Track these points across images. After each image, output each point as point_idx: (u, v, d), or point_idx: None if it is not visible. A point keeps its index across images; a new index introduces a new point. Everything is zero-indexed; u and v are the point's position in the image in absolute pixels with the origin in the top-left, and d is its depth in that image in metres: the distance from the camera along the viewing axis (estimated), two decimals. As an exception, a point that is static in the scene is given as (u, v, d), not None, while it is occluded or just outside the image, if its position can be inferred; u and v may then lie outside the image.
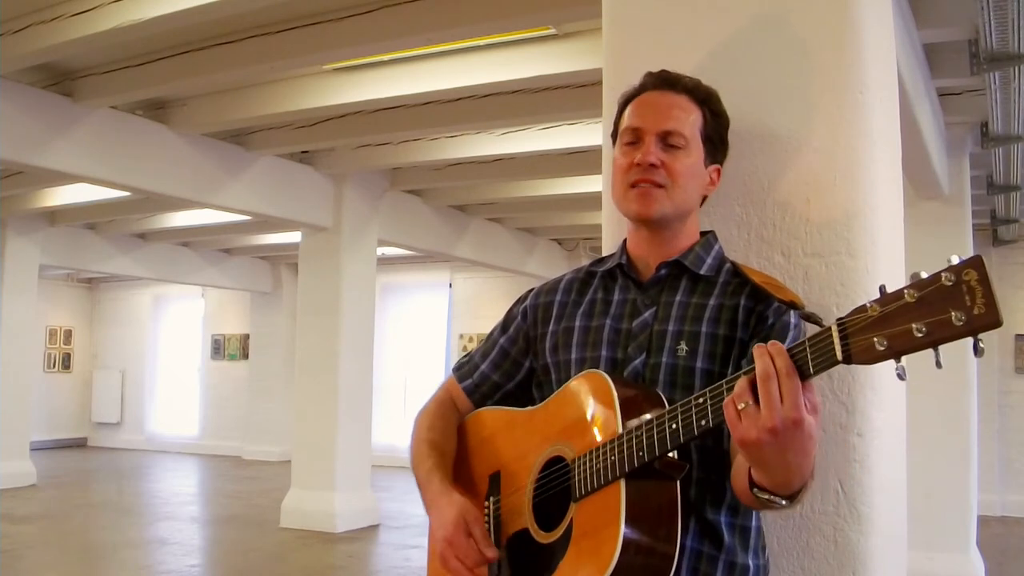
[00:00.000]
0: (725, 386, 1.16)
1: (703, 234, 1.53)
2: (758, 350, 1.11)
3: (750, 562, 1.37)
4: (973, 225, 6.24)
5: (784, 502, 1.16)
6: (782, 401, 1.07)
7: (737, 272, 1.46)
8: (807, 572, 1.60)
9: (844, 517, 1.59)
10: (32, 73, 5.50)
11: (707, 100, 1.47)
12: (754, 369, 1.10)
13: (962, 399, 5.67)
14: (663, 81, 1.47)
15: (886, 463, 1.66)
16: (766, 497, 1.17)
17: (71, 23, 4.46)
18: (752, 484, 1.18)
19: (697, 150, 1.44)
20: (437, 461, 1.54)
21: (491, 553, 1.39)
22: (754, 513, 1.40)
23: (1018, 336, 9.13)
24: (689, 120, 1.43)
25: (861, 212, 1.63)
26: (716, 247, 1.51)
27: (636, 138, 1.44)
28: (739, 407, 1.10)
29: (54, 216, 9.73)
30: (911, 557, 2.15)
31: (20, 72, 5.35)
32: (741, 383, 1.12)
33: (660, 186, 1.41)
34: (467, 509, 1.43)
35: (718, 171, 1.50)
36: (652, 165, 1.41)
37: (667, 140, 1.42)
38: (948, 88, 4.95)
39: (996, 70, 4.12)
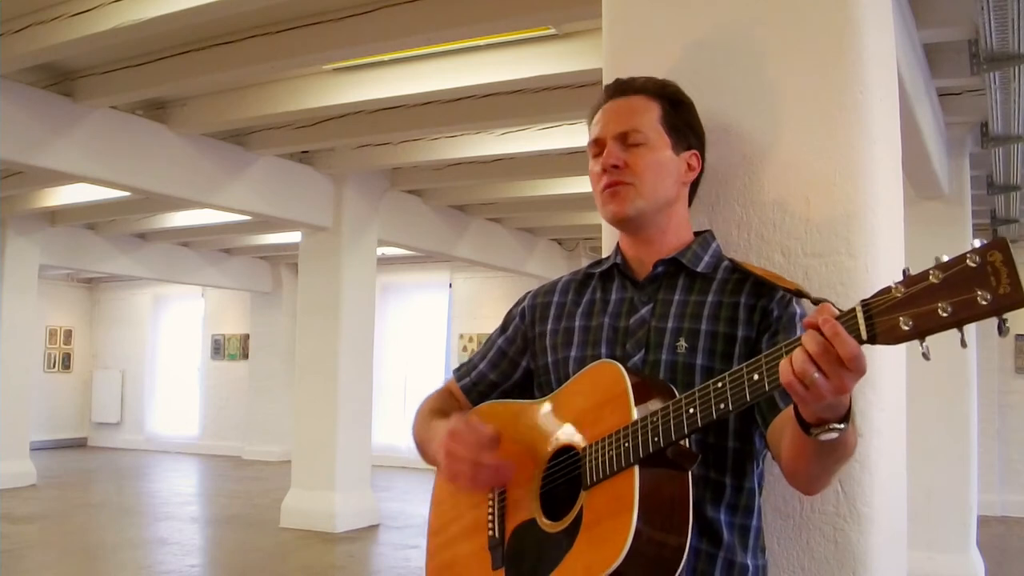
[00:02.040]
0: (745, 370, 1.15)
1: (700, 233, 1.53)
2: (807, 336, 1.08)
3: (749, 562, 1.37)
4: (973, 225, 6.25)
5: (843, 425, 1.13)
6: (848, 362, 1.05)
7: (736, 268, 1.46)
8: (807, 572, 1.60)
9: (844, 517, 1.58)
10: (32, 73, 5.50)
11: (663, 92, 1.49)
12: (797, 343, 1.09)
13: (962, 399, 5.67)
14: (616, 89, 1.51)
15: (886, 463, 1.66)
16: (827, 433, 1.13)
17: (71, 23, 4.46)
18: (808, 430, 1.15)
19: (662, 143, 1.46)
20: (437, 418, 1.56)
21: (489, 428, 1.38)
22: (754, 513, 1.40)
23: (1018, 336, 9.14)
24: (646, 116, 1.46)
25: (861, 212, 1.63)
26: (713, 245, 1.51)
27: (600, 148, 1.48)
28: (809, 379, 1.06)
29: (54, 216, 9.73)
30: (911, 557, 2.15)
31: (20, 72, 5.35)
32: (798, 359, 1.07)
33: (627, 184, 1.44)
34: (456, 417, 1.45)
35: (696, 156, 1.51)
36: (615, 166, 1.44)
37: (626, 140, 1.45)
38: (948, 88, 4.95)
39: (996, 70, 4.12)
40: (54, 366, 14.82)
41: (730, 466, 1.38)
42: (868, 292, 1.60)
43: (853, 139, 1.65)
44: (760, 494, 1.44)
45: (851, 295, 1.61)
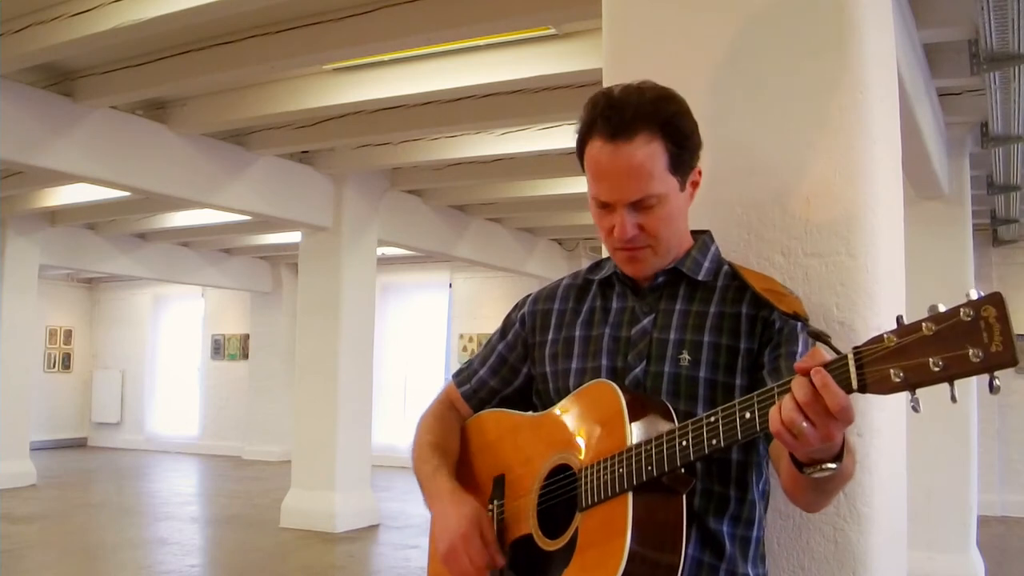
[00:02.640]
0: (738, 407, 1.16)
1: (698, 234, 1.51)
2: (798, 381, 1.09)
3: (750, 571, 1.37)
4: (973, 225, 6.24)
5: (836, 465, 1.14)
6: (835, 409, 1.05)
7: (736, 275, 1.44)
8: (807, 572, 1.60)
9: (844, 517, 1.58)
10: (32, 73, 5.50)
11: (665, 128, 1.34)
12: (787, 386, 1.09)
13: (962, 399, 5.64)
14: (612, 132, 1.33)
15: (886, 463, 1.66)
16: (821, 472, 1.14)
17: (71, 23, 4.46)
18: (801, 468, 1.16)
19: (672, 190, 1.37)
20: (441, 460, 1.53)
21: (501, 560, 1.39)
22: (756, 523, 1.40)
23: (1019, 336, 9.11)
24: (655, 173, 1.34)
25: (861, 212, 1.63)
26: (712, 249, 1.49)
27: (605, 205, 1.39)
28: (798, 428, 1.07)
29: (54, 216, 9.73)
30: (911, 557, 2.15)
31: (20, 72, 5.35)
32: (787, 409, 1.07)
33: (644, 247, 1.39)
34: (481, 512, 1.42)
35: (699, 172, 1.44)
36: (631, 236, 1.38)
37: (639, 206, 1.36)
38: (948, 88, 4.95)
39: (996, 70, 4.11)
40: (54, 366, 14.82)
41: (734, 478, 1.37)
42: (868, 292, 1.61)
43: (853, 139, 1.64)
44: (764, 504, 1.43)
45: (851, 295, 1.61)
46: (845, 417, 1.06)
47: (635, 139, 1.33)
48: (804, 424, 1.06)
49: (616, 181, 1.35)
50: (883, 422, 1.63)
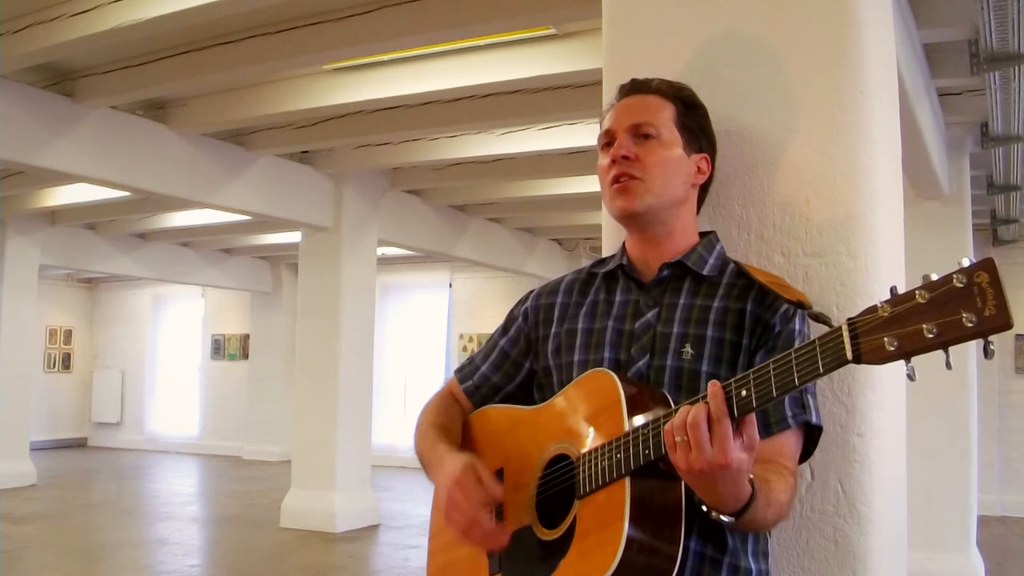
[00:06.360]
0: (734, 384, 1.16)
1: (705, 235, 1.52)
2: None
3: (752, 566, 1.37)
4: (973, 225, 6.24)
5: (727, 519, 1.19)
6: (712, 444, 1.11)
7: (742, 272, 1.45)
8: (807, 572, 1.60)
9: (844, 517, 1.58)
10: (32, 73, 5.50)
11: (679, 94, 1.49)
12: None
13: (962, 399, 5.67)
14: (631, 88, 1.51)
15: (886, 463, 1.65)
16: (713, 513, 1.20)
17: (71, 23, 4.46)
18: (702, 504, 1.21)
19: (674, 140, 1.45)
20: (443, 436, 1.54)
21: (497, 492, 1.37)
22: None
23: (1018, 336, 9.14)
24: (660, 114, 1.46)
25: (861, 212, 1.63)
26: (718, 247, 1.50)
27: (610, 139, 1.48)
28: (676, 439, 1.13)
29: (54, 216, 9.74)
30: (911, 557, 2.15)
31: (20, 72, 5.35)
32: (680, 415, 1.15)
33: (636, 178, 1.43)
34: (476, 460, 1.42)
35: (706, 159, 1.50)
36: (625, 157, 1.43)
37: (638, 132, 1.44)
38: (948, 88, 4.95)
39: (996, 70, 4.12)
40: (54, 366, 14.82)
41: None
42: (868, 292, 1.61)
43: (853, 139, 1.64)
44: None
45: (851, 295, 1.61)
46: (719, 430, 1.12)
47: (649, 95, 1.49)
48: (684, 437, 1.13)
49: (622, 111, 1.48)
50: (883, 422, 1.63)
